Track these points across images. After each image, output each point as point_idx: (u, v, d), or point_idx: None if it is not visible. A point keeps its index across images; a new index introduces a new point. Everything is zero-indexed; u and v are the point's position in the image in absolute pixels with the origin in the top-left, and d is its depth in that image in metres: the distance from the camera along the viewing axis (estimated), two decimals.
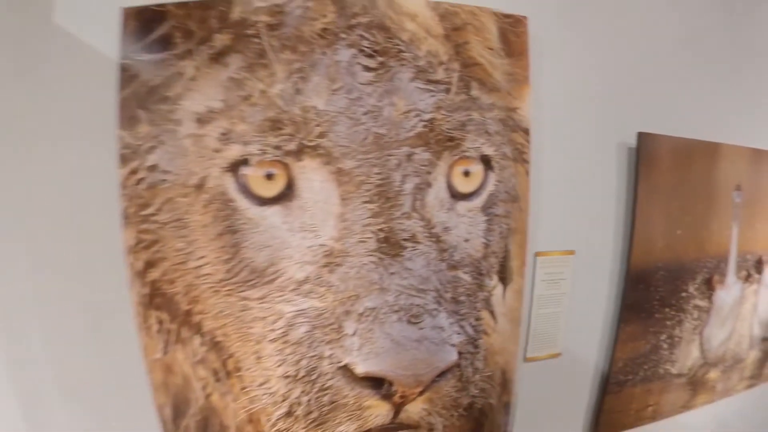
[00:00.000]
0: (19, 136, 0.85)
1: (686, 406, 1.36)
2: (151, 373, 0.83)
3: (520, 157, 0.90)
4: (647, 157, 1.07)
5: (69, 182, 0.82)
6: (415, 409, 0.89)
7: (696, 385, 1.35)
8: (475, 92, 0.83)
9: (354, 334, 0.80)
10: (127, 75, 0.76)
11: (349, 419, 0.87)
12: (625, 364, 1.17)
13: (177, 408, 0.85)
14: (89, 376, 0.91)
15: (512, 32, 0.87)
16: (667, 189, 1.13)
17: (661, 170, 1.11)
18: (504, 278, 0.90)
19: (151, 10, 0.76)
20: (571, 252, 1.04)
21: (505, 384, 0.97)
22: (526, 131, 0.90)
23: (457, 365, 0.89)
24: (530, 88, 0.90)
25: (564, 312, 1.05)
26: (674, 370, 1.28)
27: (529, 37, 0.90)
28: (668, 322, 1.23)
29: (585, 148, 1.07)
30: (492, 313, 0.90)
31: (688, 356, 1.30)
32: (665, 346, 1.24)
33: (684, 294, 1.24)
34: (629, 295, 1.13)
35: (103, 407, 0.92)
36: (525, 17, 0.89)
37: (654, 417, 1.30)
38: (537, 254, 1.00)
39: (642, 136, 1.05)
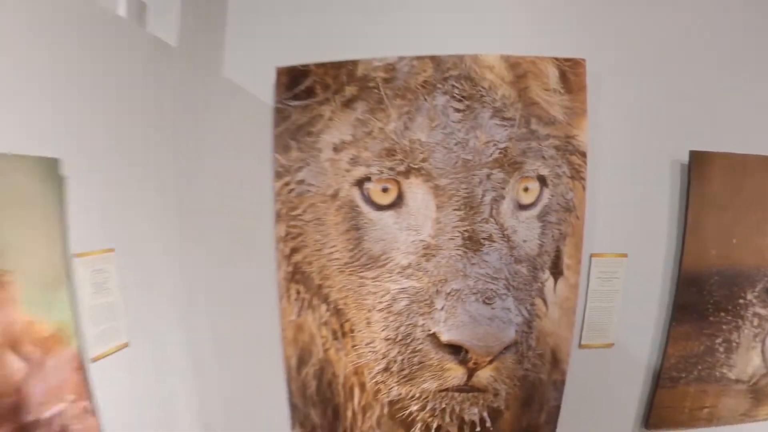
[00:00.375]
0: (200, 159, 1.25)
1: (748, 415, 1.41)
2: (285, 331, 1.18)
3: (578, 175, 1.12)
4: (699, 172, 1.22)
5: (236, 191, 1.20)
6: (484, 375, 1.14)
7: (758, 395, 1.40)
8: (534, 126, 1.08)
9: (442, 309, 1.08)
10: (281, 116, 1.11)
11: (432, 378, 1.15)
12: (677, 361, 1.29)
13: (301, 359, 1.20)
14: (236, 333, 1.29)
15: (572, 72, 1.10)
16: (720, 201, 1.25)
17: (714, 184, 1.24)
18: (555, 273, 1.14)
19: (297, 68, 1.11)
20: (624, 255, 1.23)
21: (555, 363, 1.19)
22: (583, 154, 1.12)
23: (518, 342, 1.13)
24: (587, 118, 1.11)
25: (617, 307, 1.24)
26: (732, 375, 1.36)
27: (587, 75, 1.11)
28: (724, 327, 1.32)
29: (640, 165, 1.24)
30: (544, 300, 1.14)
31: (747, 363, 1.37)
32: (721, 349, 1.33)
33: (741, 300, 1.32)
34: (681, 297, 1.26)
35: (243, 356, 1.30)
36: (583, 60, 1.10)
37: (710, 420, 1.38)
38: (592, 255, 1.20)
39: (694, 154, 1.21)
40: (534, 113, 1.09)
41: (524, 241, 1.11)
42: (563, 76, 1.10)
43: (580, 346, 1.25)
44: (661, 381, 1.27)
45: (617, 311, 1.25)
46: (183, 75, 1.23)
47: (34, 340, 0.85)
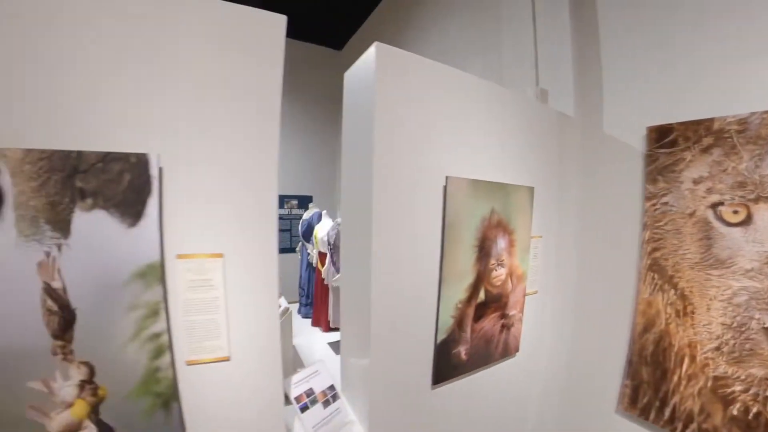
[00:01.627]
0: (592, 186, 2.05)
1: None
2: (639, 305, 1.79)
3: None
4: None
5: (611, 207, 1.93)
6: None
7: None
8: None
9: None
10: (650, 159, 1.75)
11: (760, 366, 1.47)
12: None
13: (645, 327, 1.78)
14: (601, 299, 2.04)
15: None
16: None
17: None
18: None
19: (664, 126, 1.70)
20: None
21: None
22: None
23: None
24: None
25: None
26: None
27: None
28: None
29: None
30: None
31: None
32: None
33: None
34: None
35: (601, 315, 2.05)
36: None
37: None
38: None
39: None
40: None
41: None
42: None
43: None
44: None
45: None
46: (580, 134, 2.08)
47: (516, 275, 1.81)
